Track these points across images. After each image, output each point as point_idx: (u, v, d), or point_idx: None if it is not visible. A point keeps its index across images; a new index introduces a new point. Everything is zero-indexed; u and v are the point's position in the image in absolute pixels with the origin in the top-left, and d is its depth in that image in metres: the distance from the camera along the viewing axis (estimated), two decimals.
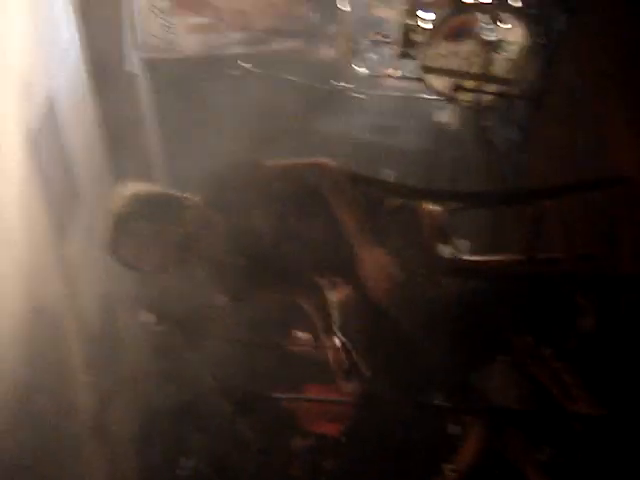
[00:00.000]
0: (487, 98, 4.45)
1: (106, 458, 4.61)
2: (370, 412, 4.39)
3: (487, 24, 4.12)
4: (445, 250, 2.99)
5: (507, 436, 3.34)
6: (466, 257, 3.09)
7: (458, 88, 4.30)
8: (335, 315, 3.29)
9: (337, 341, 3.28)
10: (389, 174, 5.48)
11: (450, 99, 4.43)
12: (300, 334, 4.83)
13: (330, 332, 3.32)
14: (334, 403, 4.72)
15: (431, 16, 4.36)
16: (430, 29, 4.33)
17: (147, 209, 2.93)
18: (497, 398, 3.29)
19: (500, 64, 4.30)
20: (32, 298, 3.57)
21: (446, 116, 5.70)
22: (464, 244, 3.11)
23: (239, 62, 5.00)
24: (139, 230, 2.88)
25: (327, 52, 5.83)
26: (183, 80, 5.63)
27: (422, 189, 3.31)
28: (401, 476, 4.42)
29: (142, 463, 5.46)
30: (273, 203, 2.91)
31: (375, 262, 2.76)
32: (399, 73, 4.93)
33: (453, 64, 4.34)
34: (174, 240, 2.89)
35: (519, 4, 4.21)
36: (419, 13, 4.40)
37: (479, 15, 4.15)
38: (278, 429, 4.74)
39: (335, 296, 3.42)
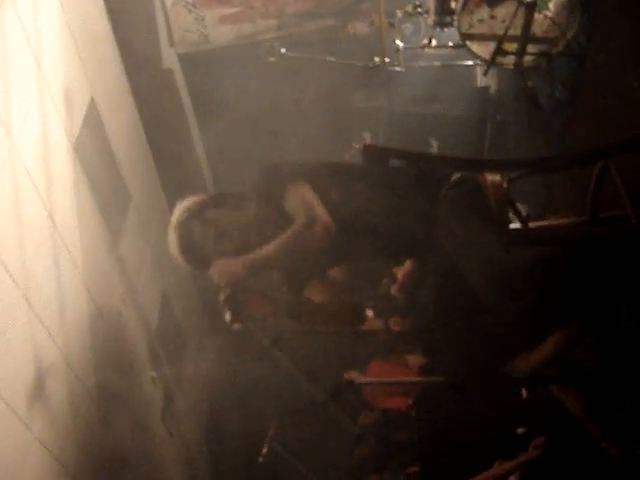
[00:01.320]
0: (529, 59, 4.37)
1: (178, 449, 4.68)
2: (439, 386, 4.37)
3: None
4: (512, 219, 2.96)
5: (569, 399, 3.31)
6: (531, 224, 3.05)
7: (499, 52, 4.22)
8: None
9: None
10: (433, 144, 5.43)
11: (492, 63, 4.34)
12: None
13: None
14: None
15: None
16: None
17: (209, 202, 3.03)
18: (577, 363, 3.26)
19: (540, 24, 4.22)
20: (93, 301, 3.62)
21: (488, 81, 5.61)
22: (526, 210, 3.06)
23: (275, 45, 4.97)
24: (212, 217, 2.93)
25: (362, 28, 5.77)
26: (220, 72, 5.63)
27: (481, 159, 3.28)
28: (473, 447, 4.41)
29: (214, 454, 5.53)
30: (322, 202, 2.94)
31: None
32: (436, 43, 4.85)
33: (492, 28, 4.27)
34: (249, 224, 2.93)
35: None
36: None
37: None
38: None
39: (400, 272, 3.42)
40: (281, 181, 2.97)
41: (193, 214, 2.97)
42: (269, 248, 2.90)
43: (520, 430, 4.21)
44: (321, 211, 2.92)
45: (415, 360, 5.31)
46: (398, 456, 5.14)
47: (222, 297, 2.97)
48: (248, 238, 2.96)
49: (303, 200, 2.96)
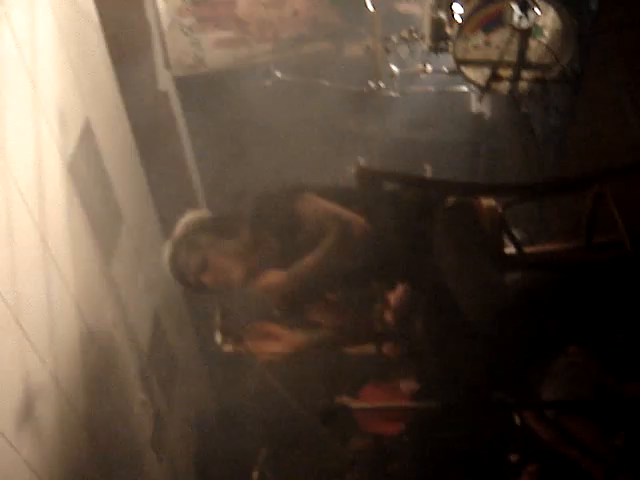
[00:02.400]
0: (524, 85, 4.38)
1: (167, 474, 4.63)
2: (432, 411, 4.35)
3: (518, 11, 4.05)
4: (507, 243, 2.96)
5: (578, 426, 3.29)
6: (526, 249, 3.04)
7: (494, 77, 4.24)
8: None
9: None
10: (427, 169, 5.43)
11: (486, 89, 4.36)
12: None
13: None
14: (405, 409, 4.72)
15: (460, 9, 4.30)
16: (461, 21, 4.27)
17: (204, 226, 3.02)
18: (569, 390, 3.24)
19: (535, 50, 4.23)
20: (84, 323, 3.59)
21: (483, 107, 5.64)
22: (520, 235, 3.06)
23: (270, 69, 4.99)
24: (199, 244, 2.91)
25: (357, 52, 5.79)
26: (215, 95, 5.64)
27: (476, 184, 3.28)
28: (467, 474, 4.38)
29: (203, 478, 5.48)
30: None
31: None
32: (431, 68, 4.87)
33: (487, 54, 4.29)
34: (234, 252, 2.91)
35: None
36: (448, 6, 4.35)
37: (510, 3, 4.08)
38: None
39: (392, 297, 3.41)
40: (285, 202, 2.96)
41: (187, 234, 2.96)
42: (310, 260, 2.89)
43: (513, 457, 4.19)
44: (349, 213, 2.92)
45: (408, 386, 5.29)
46: None
47: (216, 318, 2.95)
48: (231, 271, 2.95)
49: (322, 209, 2.97)
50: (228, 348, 2.96)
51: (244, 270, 2.92)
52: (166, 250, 3.01)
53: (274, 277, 2.88)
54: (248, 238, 2.96)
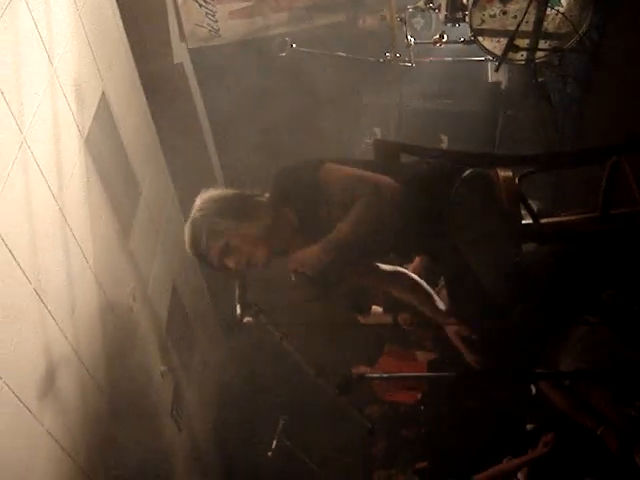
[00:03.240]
0: (541, 55, 4.35)
1: (187, 444, 4.69)
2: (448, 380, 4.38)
3: None
4: (524, 214, 2.95)
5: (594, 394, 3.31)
6: (542, 220, 3.04)
7: (511, 47, 4.20)
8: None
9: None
10: (444, 139, 5.42)
11: (503, 59, 4.33)
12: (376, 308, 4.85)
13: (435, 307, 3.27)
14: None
15: None
16: None
17: (224, 208, 2.96)
18: (586, 359, 3.26)
19: (552, 19, 4.20)
20: (103, 296, 3.63)
21: (499, 77, 5.60)
22: (537, 206, 3.05)
23: (286, 39, 4.96)
24: (220, 228, 2.89)
25: (372, 22, 5.76)
26: (230, 66, 5.62)
27: (494, 155, 3.26)
28: (482, 443, 4.41)
29: (223, 449, 5.55)
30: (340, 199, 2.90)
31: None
32: (447, 38, 4.84)
33: (504, 24, 4.26)
34: (255, 237, 2.90)
35: None
36: None
37: None
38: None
39: (410, 269, 3.41)
40: (308, 172, 2.93)
41: (206, 216, 2.93)
42: (344, 227, 2.85)
43: (529, 426, 4.21)
44: (374, 174, 2.90)
45: (424, 356, 5.32)
46: (406, 452, 5.15)
47: (236, 291, 2.95)
48: (253, 255, 2.94)
49: (347, 173, 2.93)
50: (248, 320, 2.97)
51: (266, 251, 2.91)
52: (187, 233, 2.98)
53: (308, 252, 2.85)
54: (269, 219, 2.93)
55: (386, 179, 2.88)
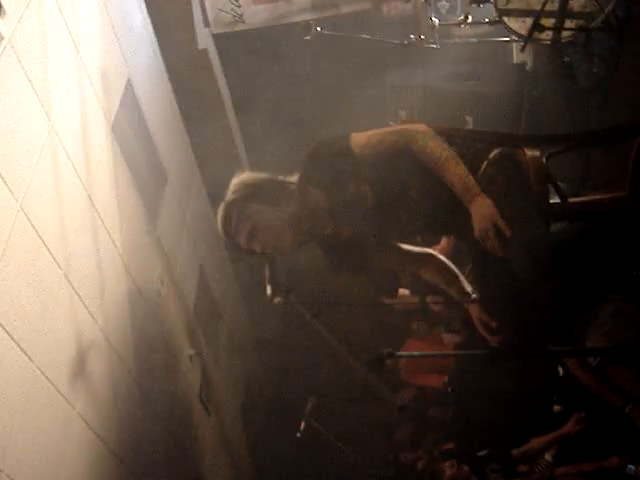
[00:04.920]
0: (567, 34, 4.31)
1: (215, 427, 4.73)
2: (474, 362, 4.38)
3: None
4: (551, 194, 2.94)
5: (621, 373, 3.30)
6: (570, 199, 3.02)
7: (536, 27, 4.17)
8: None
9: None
10: (469, 121, 5.39)
11: (529, 39, 4.29)
12: (403, 290, 4.86)
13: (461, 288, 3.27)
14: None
15: None
16: None
17: (254, 193, 2.98)
18: (612, 338, 3.25)
19: None
20: (132, 281, 3.67)
21: (524, 57, 5.55)
22: (563, 186, 3.04)
23: (311, 23, 4.95)
24: (249, 212, 2.92)
25: (397, 8, 5.73)
26: (255, 51, 5.63)
27: (520, 135, 3.24)
28: (508, 425, 4.41)
29: (251, 430, 5.59)
30: (371, 173, 2.90)
31: (483, 215, 2.74)
32: (472, 19, 4.81)
33: (529, 3, 4.22)
34: (283, 222, 2.92)
35: None
36: None
37: None
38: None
39: (437, 251, 3.41)
40: (339, 142, 2.94)
41: (237, 200, 2.96)
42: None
43: (556, 408, 4.21)
44: (410, 125, 2.93)
45: (450, 338, 5.32)
46: (433, 433, 5.16)
47: (266, 272, 2.97)
48: (279, 239, 2.95)
49: (382, 131, 2.95)
50: (278, 300, 3.00)
51: (291, 238, 2.93)
52: (219, 214, 3.02)
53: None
54: (297, 206, 2.95)
55: (422, 125, 2.89)
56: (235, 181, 3.03)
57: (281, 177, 3.07)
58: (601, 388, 3.57)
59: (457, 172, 2.81)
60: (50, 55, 3.06)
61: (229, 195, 3.00)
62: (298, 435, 4.85)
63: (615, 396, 3.51)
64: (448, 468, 4.22)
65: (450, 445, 4.77)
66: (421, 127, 2.91)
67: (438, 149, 2.85)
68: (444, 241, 3.69)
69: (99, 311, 3.21)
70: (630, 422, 3.47)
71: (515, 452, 4.16)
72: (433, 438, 5.07)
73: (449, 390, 5.01)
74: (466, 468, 4.16)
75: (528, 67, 5.67)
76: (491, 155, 2.97)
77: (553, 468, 3.97)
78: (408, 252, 3.28)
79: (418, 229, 3.14)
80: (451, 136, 2.98)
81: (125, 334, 3.51)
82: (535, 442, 4.13)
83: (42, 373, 2.64)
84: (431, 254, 3.31)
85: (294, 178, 3.03)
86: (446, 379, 5.15)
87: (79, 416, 2.91)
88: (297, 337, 4.55)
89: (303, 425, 4.88)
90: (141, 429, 3.52)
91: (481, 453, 4.27)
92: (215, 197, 3.06)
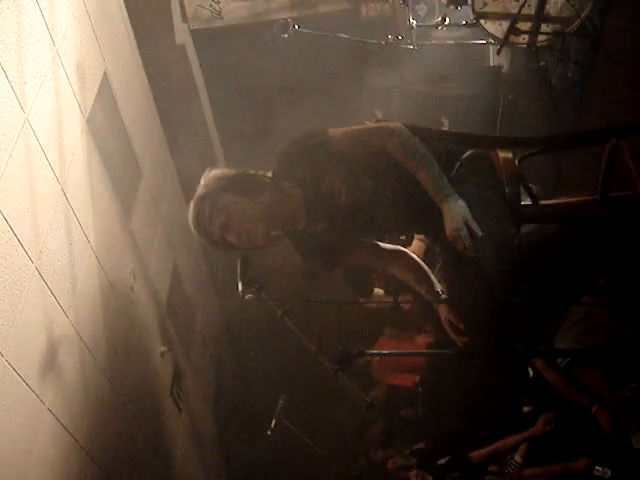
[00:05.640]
0: (543, 39, 4.35)
1: (186, 424, 4.72)
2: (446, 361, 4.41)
3: None
4: (523, 196, 2.96)
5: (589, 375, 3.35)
6: (542, 202, 3.05)
7: (513, 30, 4.20)
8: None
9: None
10: (445, 123, 5.41)
11: (505, 42, 4.33)
12: (378, 290, 4.87)
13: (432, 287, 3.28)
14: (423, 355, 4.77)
15: None
16: None
17: (228, 185, 2.97)
18: (583, 341, 3.29)
19: (554, 3, 4.20)
20: (104, 276, 3.65)
21: (501, 60, 5.59)
22: (535, 189, 3.07)
23: (288, 21, 4.95)
24: (223, 203, 2.91)
25: (374, 8, 5.75)
26: (232, 48, 5.62)
27: (494, 136, 3.26)
28: (480, 425, 4.44)
29: (222, 428, 5.58)
30: (345, 169, 2.91)
31: (455, 215, 2.75)
32: (449, 21, 4.83)
33: (506, 7, 4.26)
34: (257, 214, 2.91)
35: None
36: None
37: None
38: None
39: (410, 249, 3.42)
40: (314, 137, 2.93)
41: (209, 193, 2.95)
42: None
43: (526, 409, 4.24)
44: (388, 123, 2.95)
45: (423, 339, 5.34)
46: (404, 433, 5.18)
47: (238, 269, 2.96)
48: (253, 231, 2.95)
49: (358, 128, 2.97)
50: (249, 297, 2.99)
51: (265, 228, 2.92)
52: (190, 209, 3.00)
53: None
54: (270, 196, 2.95)
55: (398, 123, 2.91)
56: (207, 175, 3.01)
57: (254, 171, 3.06)
58: (568, 389, 3.61)
59: (430, 172, 2.83)
60: (26, 46, 3.04)
61: (201, 189, 2.98)
62: (268, 433, 4.85)
63: (581, 397, 3.55)
64: (413, 477, 4.24)
65: (421, 445, 4.79)
66: (397, 126, 2.92)
67: (412, 148, 2.86)
68: (418, 240, 3.70)
69: (71, 306, 3.19)
70: (596, 423, 3.51)
71: (475, 455, 4.18)
72: (404, 437, 5.08)
73: (419, 389, 5.03)
74: (430, 478, 4.18)
75: (504, 70, 5.72)
76: (464, 156, 2.99)
77: (521, 469, 4.00)
78: (380, 249, 3.29)
79: (390, 227, 3.15)
80: (426, 136, 2.99)
81: (97, 329, 3.49)
82: (502, 442, 4.16)
83: (12, 367, 2.62)
84: (403, 251, 3.32)
85: (269, 173, 3.03)
86: (417, 379, 5.17)
87: (49, 411, 2.89)
88: (269, 335, 4.53)
89: (274, 423, 4.88)
90: (111, 424, 3.50)
91: (441, 461, 4.28)
92: (190, 193, 3.04)
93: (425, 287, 3.26)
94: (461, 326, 3.09)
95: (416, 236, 3.93)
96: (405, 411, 5.27)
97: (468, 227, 2.74)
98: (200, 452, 5.01)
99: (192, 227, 2.99)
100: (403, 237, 3.48)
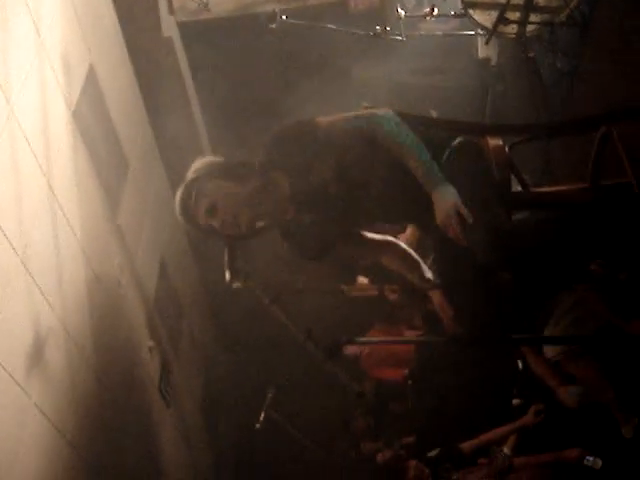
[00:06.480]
0: (531, 28, 4.34)
1: (174, 419, 4.70)
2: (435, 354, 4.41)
3: None
4: (514, 184, 2.96)
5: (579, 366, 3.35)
6: (533, 189, 3.05)
7: (501, 20, 4.19)
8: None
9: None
10: (433, 114, 5.41)
11: (494, 32, 4.32)
12: (362, 279, 4.86)
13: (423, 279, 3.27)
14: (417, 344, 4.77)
15: None
16: None
17: (215, 171, 2.96)
18: (573, 330, 3.28)
19: None
20: (91, 269, 3.62)
21: (489, 51, 5.58)
22: (525, 178, 3.06)
23: (276, 11, 4.92)
24: (210, 188, 2.89)
25: (364, 2, 5.73)
26: (219, 41, 5.60)
27: (484, 124, 3.25)
28: (469, 418, 4.44)
29: (211, 422, 5.57)
30: (334, 158, 2.89)
31: (446, 202, 2.74)
32: (438, 11, 4.81)
33: None
34: (243, 200, 2.90)
35: None
36: None
37: None
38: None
39: (403, 239, 3.41)
40: (303, 124, 2.92)
41: (196, 179, 2.94)
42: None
43: (515, 401, 4.24)
44: (378, 110, 2.92)
45: (412, 334, 5.34)
46: (394, 426, 5.18)
47: (225, 257, 2.95)
48: (238, 217, 2.93)
49: (348, 115, 2.94)
50: (237, 285, 2.97)
51: (251, 214, 2.91)
52: (177, 194, 2.99)
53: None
54: (257, 182, 2.93)
55: (388, 110, 2.90)
56: (195, 164, 3.01)
57: (243, 160, 3.05)
58: (558, 383, 3.61)
59: (420, 159, 2.81)
60: (10, 38, 3.00)
61: (189, 175, 2.98)
62: (257, 426, 4.84)
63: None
64: (412, 469, 4.22)
65: (410, 438, 4.78)
66: (387, 113, 2.90)
67: (402, 135, 2.84)
68: (409, 230, 3.69)
69: (57, 299, 3.16)
70: (586, 414, 3.51)
71: (467, 445, 4.19)
72: (393, 431, 5.08)
73: (409, 382, 5.02)
74: (427, 471, 4.18)
75: (493, 62, 5.72)
76: (454, 143, 2.97)
77: (511, 459, 4.00)
78: (369, 239, 3.27)
79: (380, 216, 3.13)
80: (415, 123, 2.98)
81: (83, 323, 3.46)
82: (492, 433, 4.16)
83: None
84: (392, 241, 3.31)
85: (257, 162, 3.01)
86: (407, 372, 5.16)
87: (35, 406, 2.86)
88: (258, 326, 4.52)
89: (262, 416, 4.87)
90: (98, 420, 3.47)
91: (431, 453, 4.28)
92: (177, 185, 3.03)
93: (415, 275, 3.26)
94: (451, 313, 3.09)
95: (408, 225, 3.92)
96: (394, 405, 5.27)
97: (459, 214, 2.72)
98: (188, 446, 4.99)
99: (178, 212, 2.97)
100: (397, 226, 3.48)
